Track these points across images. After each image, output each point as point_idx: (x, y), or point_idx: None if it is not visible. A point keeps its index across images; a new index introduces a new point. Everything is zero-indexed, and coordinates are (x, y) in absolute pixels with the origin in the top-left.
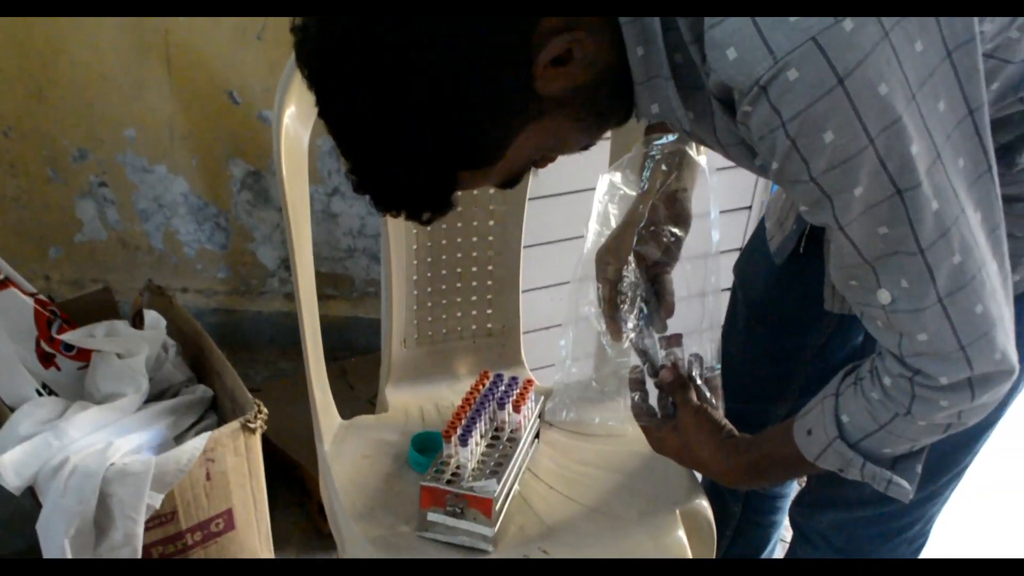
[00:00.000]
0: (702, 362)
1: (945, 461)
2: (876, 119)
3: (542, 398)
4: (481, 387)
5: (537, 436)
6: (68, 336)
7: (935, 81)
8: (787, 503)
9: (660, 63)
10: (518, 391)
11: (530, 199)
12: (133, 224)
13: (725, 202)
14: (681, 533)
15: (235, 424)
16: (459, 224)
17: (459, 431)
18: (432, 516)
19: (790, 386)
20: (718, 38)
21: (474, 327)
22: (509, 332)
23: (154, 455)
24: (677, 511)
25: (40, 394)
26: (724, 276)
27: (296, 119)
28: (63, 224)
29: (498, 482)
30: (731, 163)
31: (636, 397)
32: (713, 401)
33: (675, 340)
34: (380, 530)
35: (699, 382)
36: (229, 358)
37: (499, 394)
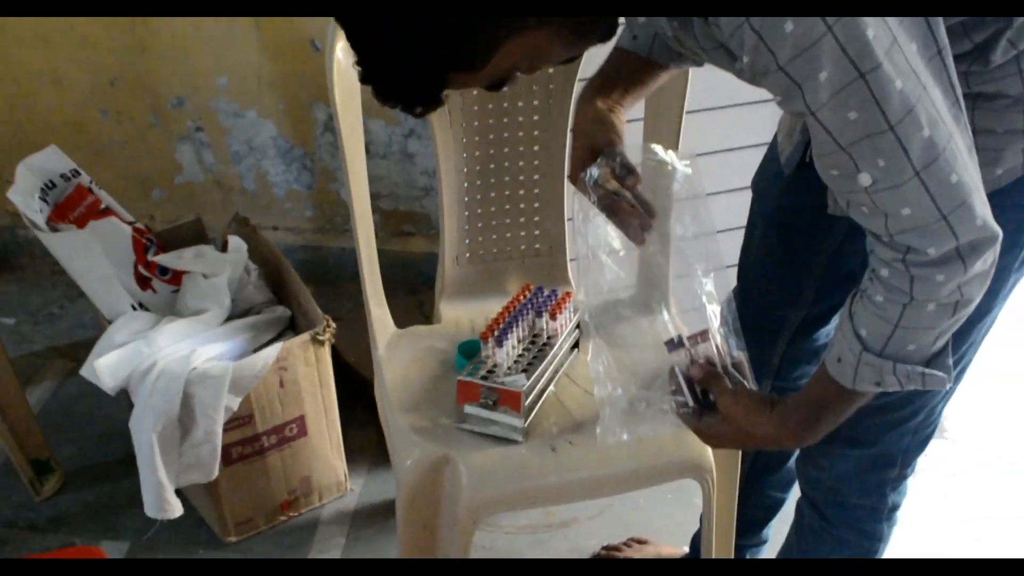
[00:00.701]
0: (727, 351)
1: None
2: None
3: (581, 309)
4: (522, 297)
5: (576, 346)
6: (159, 257)
7: None
8: None
9: None
10: (556, 301)
11: (574, 129)
12: (227, 166)
13: (758, 135)
14: None
15: (305, 336)
16: (506, 150)
17: (496, 333)
18: (468, 409)
19: (804, 293)
20: None
21: (523, 247)
22: (556, 253)
23: (233, 363)
24: None
25: (135, 309)
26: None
27: (348, 51)
28: (165, 167)
29: (527, 378)
30: (767, 96)
31: (678, 401)
32: (745, 383)
33: (702, 336)
34: (423, 421)
35: (730, 368)
36: (315, 291)
37: (538, 304)
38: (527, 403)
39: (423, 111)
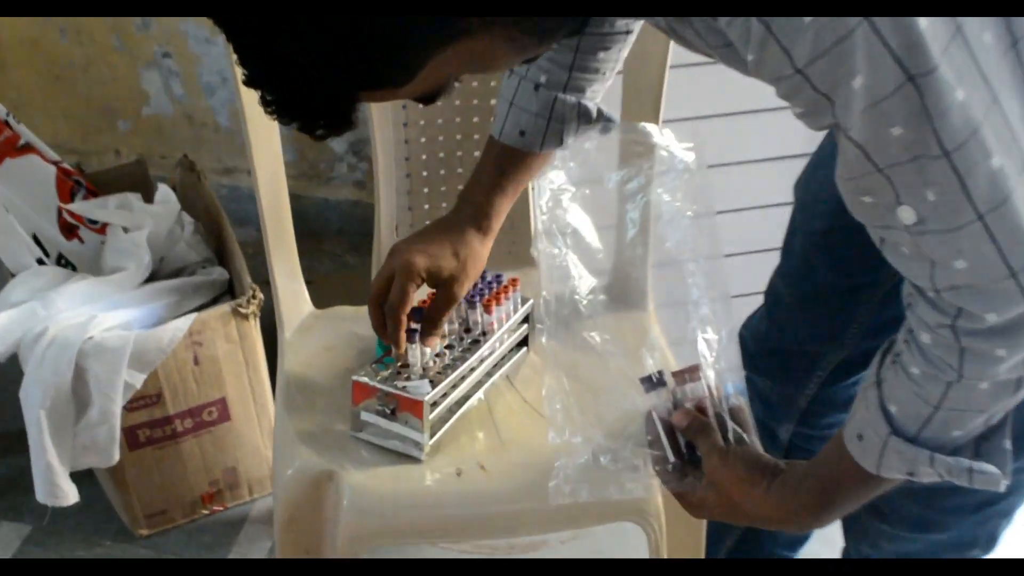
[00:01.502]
0: (722, 394)
1: None
2: None
3: (531, 302)
4: None
5: (524, 343)
6: (77, 206)
7: None
8: None
9: None
10: (497, 289)
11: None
12: (198, 99)
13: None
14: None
15: (225, 308)
16: (456, 101)
17: (410, 325)
18: (365, 416)
19: (850, 327)
20: None
21: None
22: (518, 226)
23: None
24: None
25: (42, 263)
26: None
27: None
28: (130, 96)
29: (440, 382)
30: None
31: (655, 456)
32: (745, 437)
33: (691, 373)
34: (311, 425)
35: (725, 417)
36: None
37: (473, 291)
38: (433, 415)
39: (326, 134)
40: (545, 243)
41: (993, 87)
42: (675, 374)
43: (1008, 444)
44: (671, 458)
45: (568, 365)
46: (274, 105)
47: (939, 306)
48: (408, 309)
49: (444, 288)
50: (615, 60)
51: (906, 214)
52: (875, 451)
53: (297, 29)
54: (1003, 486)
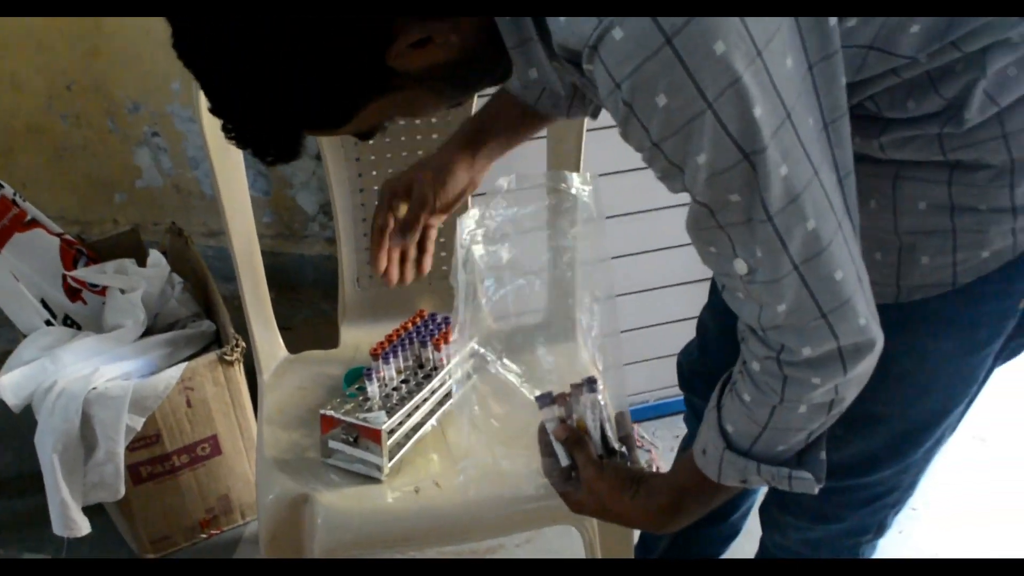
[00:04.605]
0: (606, 409)
1: (913, 438)
2: (713, 80)
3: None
4: (411, 325)
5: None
6: (79, 272)
7: (783, 35)
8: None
9: (527, 25)
10: (445, 330)
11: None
12: (185, 171)
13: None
14: None
15: (212, 356)
16: (404, 153)
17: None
18: (333, 444)
19: None
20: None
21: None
22: None
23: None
24: None
25: (50, 324)
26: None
27: None
28: (125, 171)
29: (389, 414)
30: None
31: (546, 461)
32: (623, 449)
33: (588, 385)
34: (289, 455)
35: (606, 428)
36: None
37: (424, 333)
38: (392, 441)
39: (275, 161)
40: (462, 273)
41: (814, 160)
42: (574, 386)
43: (823, 455)
44: (563, 463)
45: (497, 374)
46: (232, 133)
47: (766, 342)
48: (389, 224)
49: (418, 190)
50: None
51: (740, 266)
52: (715, 463)
53: (245, 79)
54: (816, 489)
